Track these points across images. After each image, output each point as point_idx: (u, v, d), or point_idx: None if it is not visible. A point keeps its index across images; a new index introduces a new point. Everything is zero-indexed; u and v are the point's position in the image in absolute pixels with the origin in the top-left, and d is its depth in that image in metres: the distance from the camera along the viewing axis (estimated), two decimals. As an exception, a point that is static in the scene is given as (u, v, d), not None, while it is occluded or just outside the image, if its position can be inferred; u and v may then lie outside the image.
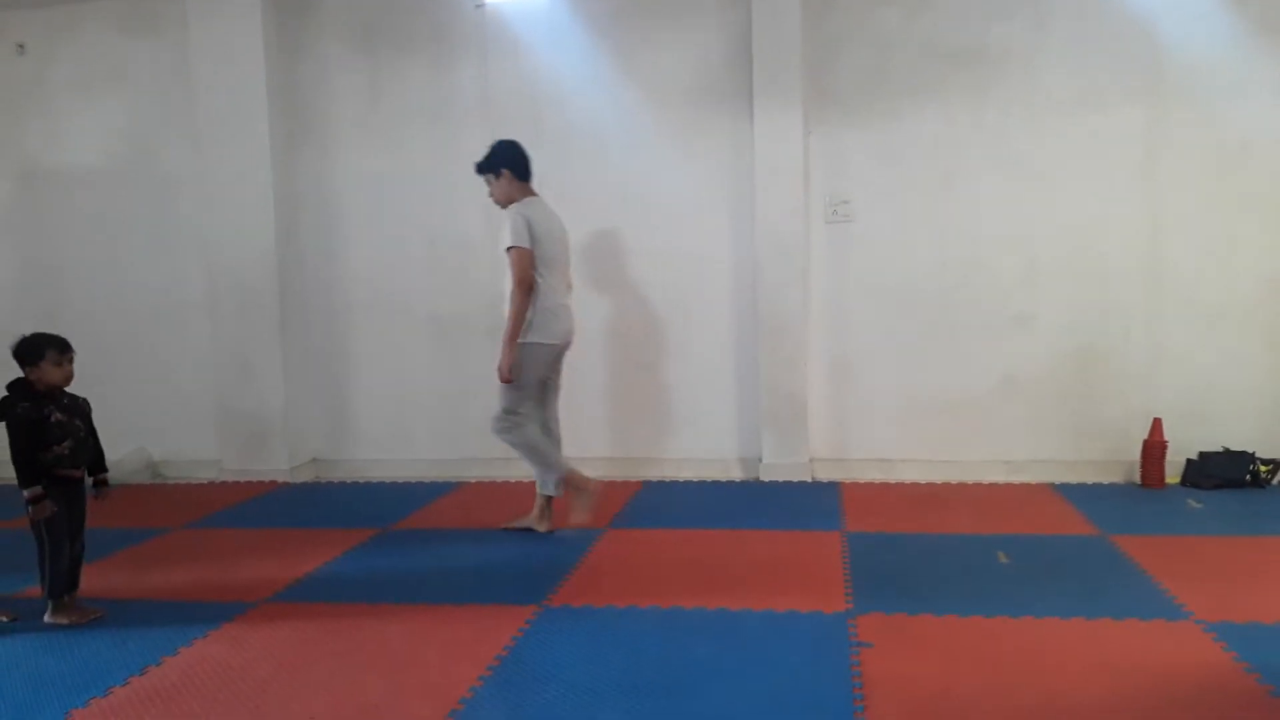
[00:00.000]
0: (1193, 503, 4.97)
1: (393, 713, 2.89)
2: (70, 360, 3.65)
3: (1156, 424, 5.25)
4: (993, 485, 5.44)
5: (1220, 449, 5.24)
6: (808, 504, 5.18)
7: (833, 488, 5.51)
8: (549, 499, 4.69)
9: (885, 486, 5.52)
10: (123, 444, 6.29)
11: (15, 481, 3.55)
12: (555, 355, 4.68)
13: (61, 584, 3.64)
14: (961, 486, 5.45)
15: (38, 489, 3.51)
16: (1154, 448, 5.24)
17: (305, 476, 6.14)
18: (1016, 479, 5.49)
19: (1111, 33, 5.28)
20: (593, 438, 5.90)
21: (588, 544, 4.54)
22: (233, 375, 6.04)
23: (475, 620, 3.61)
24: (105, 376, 6.35)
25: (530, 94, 5.82)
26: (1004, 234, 5.47)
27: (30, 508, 3.52)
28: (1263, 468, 5.14)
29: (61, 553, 3.62)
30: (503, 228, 4.55)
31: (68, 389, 3.67)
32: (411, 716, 2.86)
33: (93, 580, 3.86)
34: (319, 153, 6.06)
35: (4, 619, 3.67)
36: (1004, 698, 2.86)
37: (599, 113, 5.78)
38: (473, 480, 5.95)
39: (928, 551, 4.32)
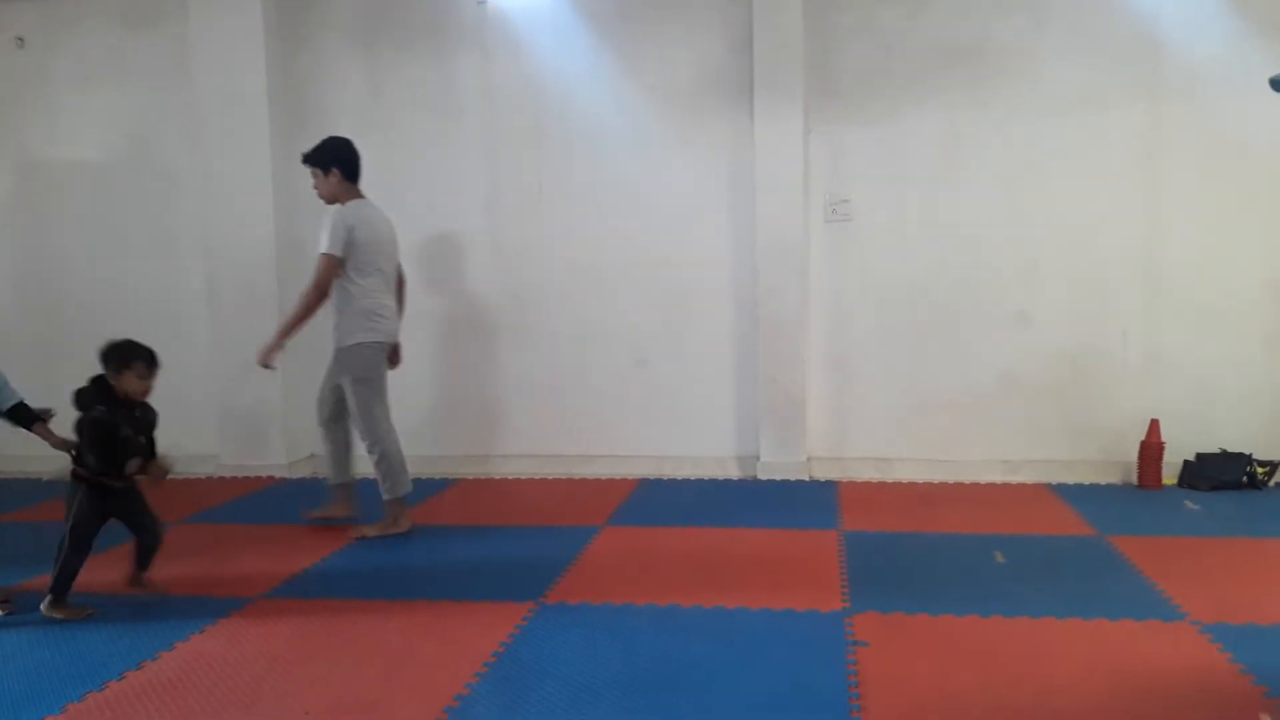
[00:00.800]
0: (1189, 504, 4.97)
1: (388, 709, 2.89)
2: (154, 376, 3.67)
3: (1154, 425, 5.25)
4: (990, 485, 5.45)
5: (1217, 450, 5.24)
6: (805, 502, 5.18)
7: (830, 486, 5.51)
8: (400, 500, 4.69)
9: (882, 485, 5.52)
10: (120, 438, 6.30)
11: (26, 475, 3.55)
12: (383, 353, 4.71)
13: (67, 583, 3.63)
14: (959, 486, 5.46)
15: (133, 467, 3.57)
16: (1151, 449, 5.25)
17: (303, 472, 6.13)
18: (1014, 479, 5.49)
19: (1111, 32, 5.28)
20: (591, 434, 5.91)
21: (585, 541, 4.54)
22: (232, 371, 6.02)
23: (471, 617, 3.61)
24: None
25: (531, 91, 5.82)
26: (1003, 233, 5.47)
27: (72, 498, 3.56)
28: (1259, 469, 5.15)
29: (81, 555, 3.61)
30: (322, 228, 4.56)
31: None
32: (407, 713, 2.86)
33: (90, 575, 3.85)
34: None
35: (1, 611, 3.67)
36: (1000, 697, 2.87)
37: (600, 110, 5.77)
38: (469, 477, 5.94)
39: (924, 551, 4.33)
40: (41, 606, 3.62)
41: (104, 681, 3.08)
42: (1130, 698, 2.83)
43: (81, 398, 3.58)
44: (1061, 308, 5.44)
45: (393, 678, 3.11)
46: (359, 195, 4.68)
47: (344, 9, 5.99)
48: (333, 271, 4.53)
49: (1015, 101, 5.40)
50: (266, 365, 4.59)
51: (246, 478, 5.98)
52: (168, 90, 6.08)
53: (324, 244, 4.52)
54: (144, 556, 3.82)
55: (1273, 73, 2.50)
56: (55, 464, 4.03)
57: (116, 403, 3.59)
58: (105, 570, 4.19)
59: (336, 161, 4.63)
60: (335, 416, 4.79)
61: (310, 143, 5.63)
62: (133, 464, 3.61)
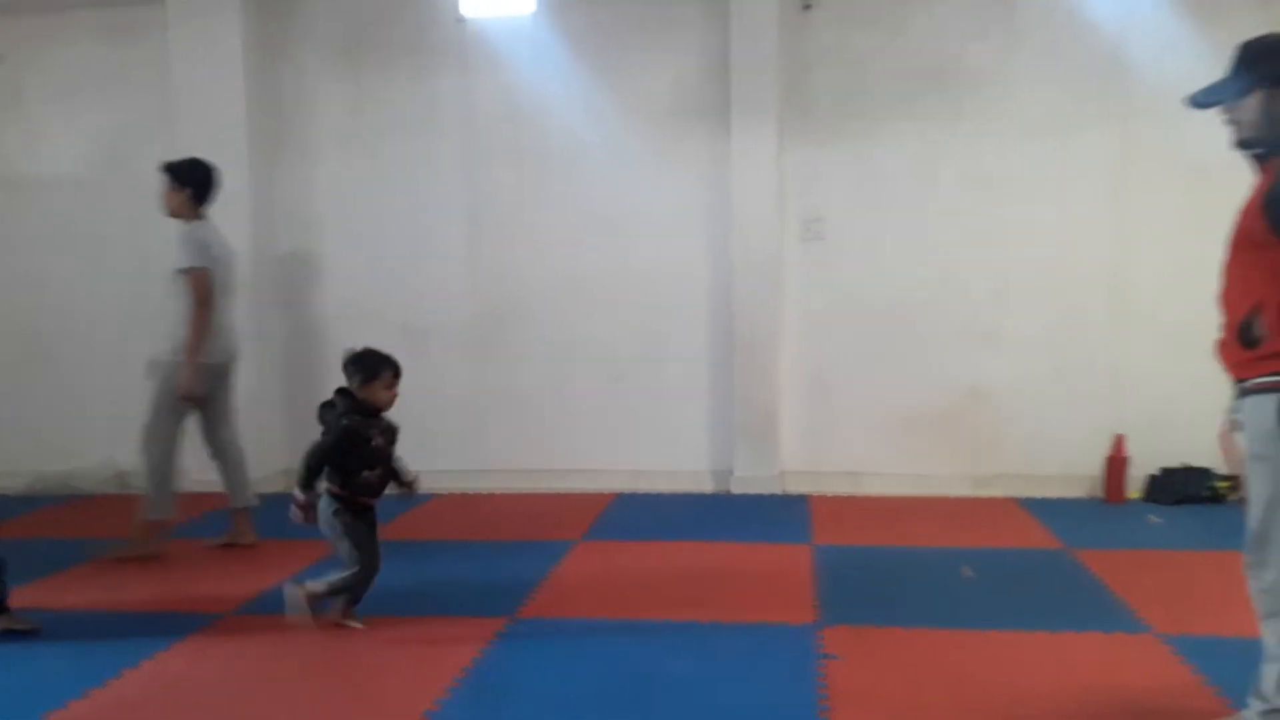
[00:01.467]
0: (1153, 518, 5.05)
1: (359, 725, 2.88)
2: (397, 385, 3.59)
3: (1119, 440, 5.33)
4: (959, 499, 5.50)
5: (1181, 465, 5.32)
6: (778, 517, 5.21)
7: (802, 500, 5.54)
8: (154, 525, 4.68)
9: (854, 500, 5.56)
10: (91, 453, 6.23)
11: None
12: (215, 374, 4.72)
13: (341, 595, 3.55)
14: (929, 500, 5.51)
15: (313, 495, 3.45)
16: (1116, 463, 5.33)
17: (274, 488, 6.07)
18: (982, 493, 5.55)
19: (1082, 55, 5.37)
20: (565, 449, 5.92)
21: (559, 556, 4.54)
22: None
23: (443, 633, 3.60)
24: (77, 385, 6.33)
25: (510, 108, 5.85)
26: (974, 253, 5.54)
27: (298, 511, 3.48)
28: (1221, 484, 5.23)
29: (373, 566, 3.56)
30: (179, 246, 4.59)
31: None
32: (378, 728, 2.85)
33: (53, 592, 3.81)
34: (298, 163, 6.04)
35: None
36: (968, 710, 2.90)
37: (578, 128, 5.80)
38: (444, 493, 5.91)
39: (894, 564, 4.37)
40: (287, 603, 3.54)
41: (65, 700, 3.03)
42: (1095, 709, 2.87)
43: (329, 411, 3.50)
44: (1031, 324, 5.51)
45: (362, 695, 3.09)
46: (201, 217, 4.70)
47: (325, 26, 5.99)
48: (209, 283, 4.54)
49: (987, 123, 5.49)
50: (192, 399, 4.57)
51: (216, 493, 5.90)
52: (147, 106, 6.04)
53: (187, 260, 4.52)
54: (362, 587, 3.64)
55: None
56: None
57: (365, 412, 3.51)
58: (67, 586, 4.15)
59: (193, 181, 4.69)
60: (213, 444, 4.83)
61: (289, 158, 5.65)
62: (373, 474, 3.52)
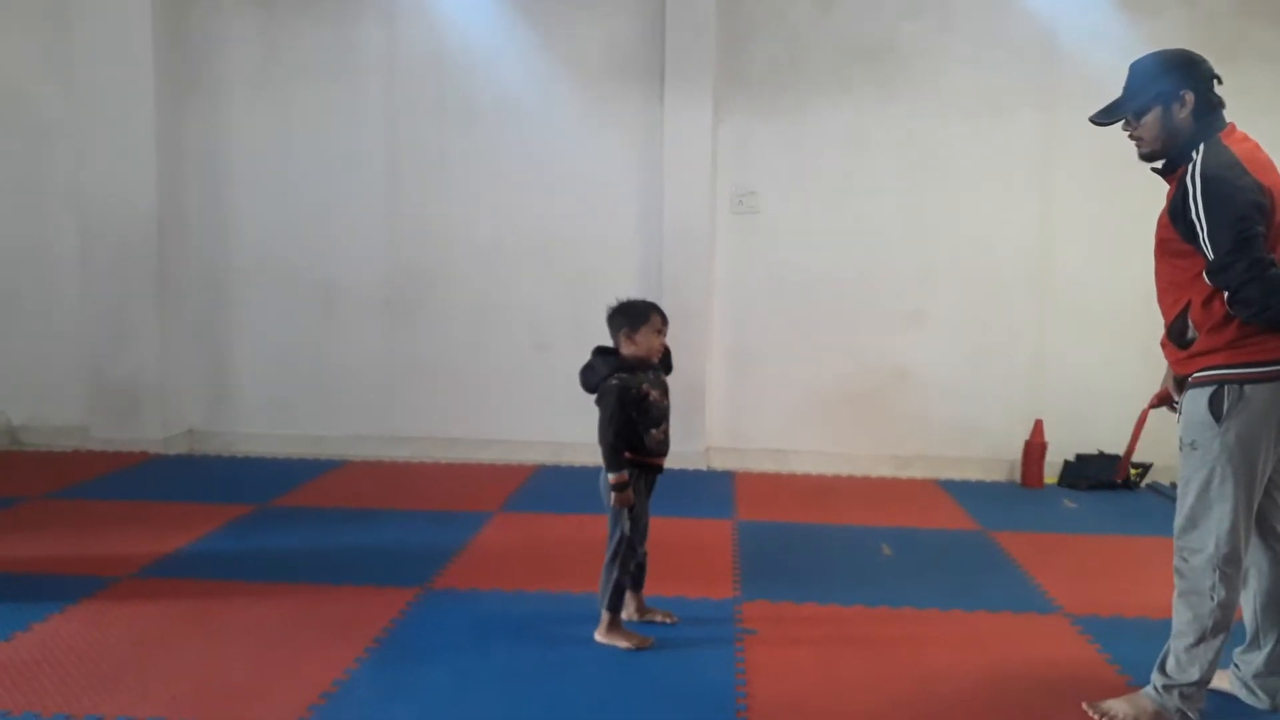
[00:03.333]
0: (1068, 502, 5.17)
1: (261, 695, 2.76)
2: (666, 330, 3.21)
3: (1038, 425, 5.44)
4: (881, 479, 5.56)
5: (1095, 452, 5.46)
6: (702, 492, 5.20)
7: (727, 477, 5.54)
8: None
9: (778, 477, 5.58)
10: (-20, 407, 5.92)
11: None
12: None
13: (622, 593, 3.18)
14: (851, 479, 5.56)
15: (624, 474, 3.09)
16: (1034, 449, 5.44)
17: (179, 448, 5.85)
18: (904, 474, 5.62)
19: (1013, 40, 5.42)
20: (486, 418, 5.81)
21: (477, 527, 4.45)
22: (105, 339, 5.70)
23: (354, 601, 3.48)
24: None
25: (437, 58, 5.66)
26: (904, 232, 5.58)
27: (613, 494, 3.10)
28: (1133, 471, 5.38)
29: (636, 550, 3.19)
30: None
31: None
32: (280, 698, 2.74)
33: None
34: (207, 106, 5.75)
35: None
36: (882, 684, 2.92)
37: (507, 83, 5.65)
38: (357, 459, 5.76)
39: (816, 542, 4.38)
40: (596, 634, 3.16)
41: (-53, 664, 2.86)
42: (1005, 685, 2.92)
43: (590, 374, 3.17)
44: (956, 307, 5.58)
45: (267, 663, 2.97)
46: None
47: (240, -39, 5.71)
48: None
49: (919, 102, 5.51)
50: None
51: (118, 452, 5.67)
52: (41, 35, 5.69)
53: None
54: (640, 573, 3.29)
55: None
56: None
57: (630, 368, 3.14)
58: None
59: None
60: None
61: (198, 100, 5.35)
62: (660, 431, 3.17)
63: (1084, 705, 2.75)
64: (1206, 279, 2.49)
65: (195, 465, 5.63)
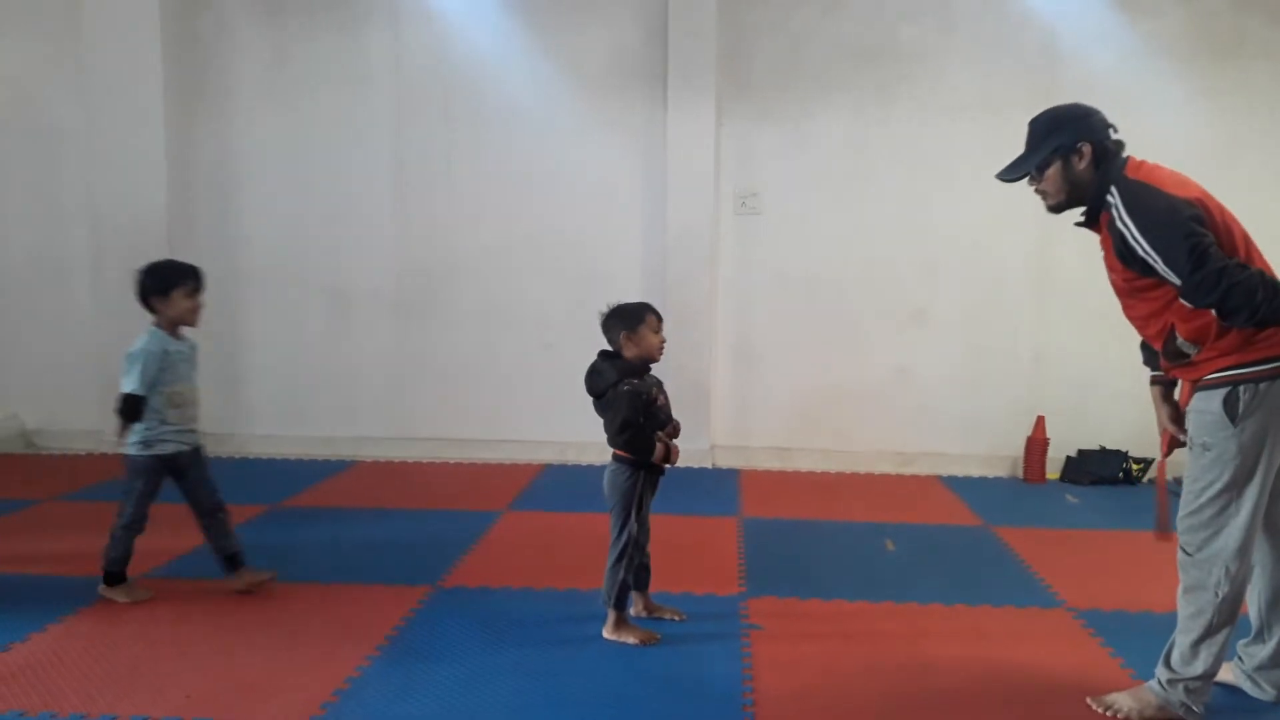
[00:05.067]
0: (1070, 498, 5.20)
1: (274, 692, 2.81)
2: (662, 328, 3.25)
3: (1040, 421, 5.47)
4: (884, 475, 5.60)
5: (1097, 448, 5.49)
6: (707, 490, 5.24)
7: (732, 474, 5.58)
8: None
9: (782, 474, 5.62)
10: (-6, 411, 5.98)
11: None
12: None
13: (627, 591, 3.22)
14: (855, 476, 5.59)
15: (659, 449, 3.14)
16: (1036, 444, 5.47)
17: (191, 450, 5.90)
18: (907, 470, 5.65)
19: (1013, 41, 5.46)
20: (494, 418, 5.86)
21: (486, 525, 4.49)
22: (117, 342, 5.65)
23: (365, 599, 3.53)
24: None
25: (442, 65, 5.71)
26: (905, 232, 5.61)
27: (665, 464, 3.18)
28: (1135, 466, 5.41)
29: (642, 550, 3.24)
30: None
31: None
32: (294, 696, 2.78)
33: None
34: (216, 112, 5.82)
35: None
36: (886, 679, 2.95)
37: (512, 88, 5.70)
38: (367, 459, 5.82)
39: (820, 538, 4.42)
40: (604, 631, 3.20)
41: (-32, 664, 2.92)
42: (1008, 680, 2.95)
43: (597, 379, 3.21)
44: (958, 306, 5.61)
45: (280, 661, 3.02)
46: None
47: (249, -30, 5.77)
48: None
49: (920, 104, 5.54)
50: None
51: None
52: (55, 42, 5.75)
53: None
54: (645, 574, 3.32)
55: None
56: None
57: (635, 371, 3.18)
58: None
59: None
60: None
61: (207, 106, 5.41)
62: (670, 429, 3.22)
63: (1088, 700, 2.78)
64: (1187, 303, 2.50)
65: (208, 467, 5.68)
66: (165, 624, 3.29)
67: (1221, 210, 2.57)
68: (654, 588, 3.40)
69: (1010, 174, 2.86)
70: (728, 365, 5.79)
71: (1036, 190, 2.82)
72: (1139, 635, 3.18)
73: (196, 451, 3.56)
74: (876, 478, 5.57)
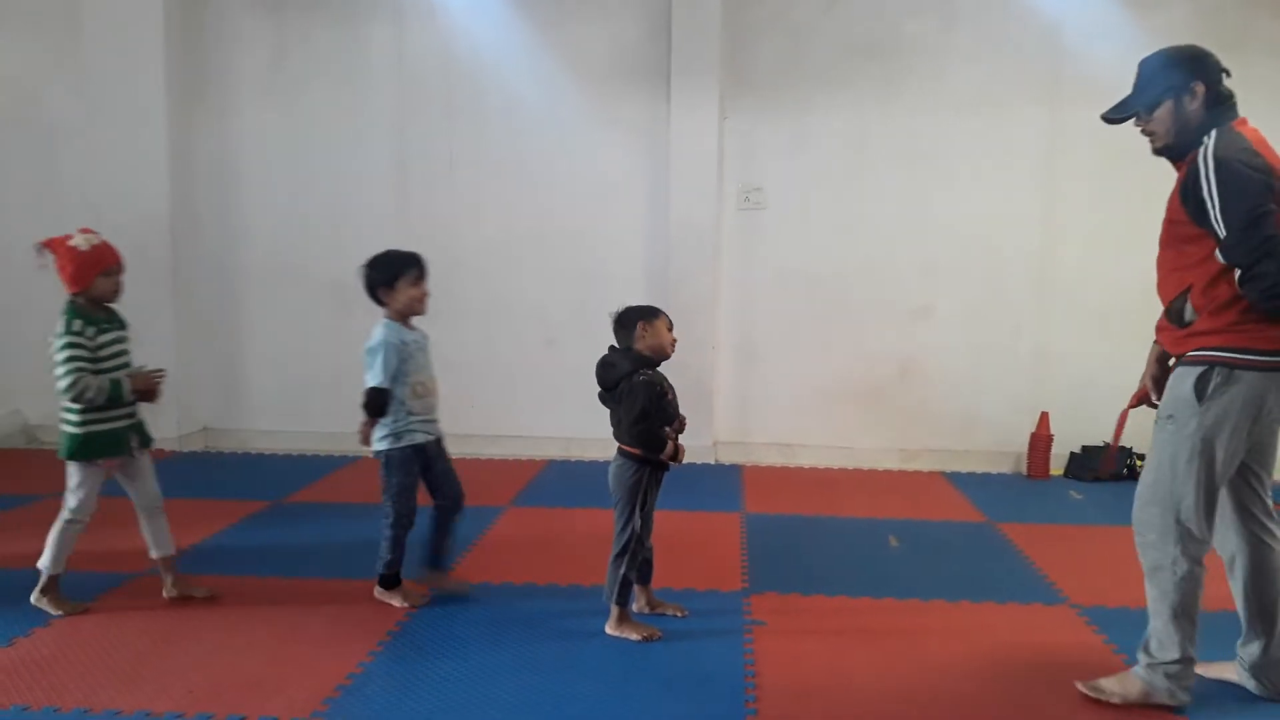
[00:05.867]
0: (1074, 494, 5.19)
1: (277, 688, 2.81)
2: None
3: (1043, 418, 5.46)
4: (887, 472, 5.59)
5: (1101, 443, 5.48)
6: (710, 486, 5.23)
7: (735, 470, 5.58)
8: None
9: (785, 471, 5.61)
10: (-3, 407, 5.99)
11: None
12: None
13: (630, 587, 3.21)
14: (858, 472, 5.59)
15: (670, 447, 3.13)
16: (1040, 440, 5.46)
17: (194, 446, 5.92)
18: (910, 466, 5.65)
19: (1017, 37, 5.44)
20: (498, 414, 5.85)
21: (489, 521, 4.49)
22: (119, 338, 5.75)
23: (368, 595, 3.53)
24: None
25: (445, 59, 5.71)
26: (907, 228, 5.60)
27: (673, 462, 3.17)
28: (1139, 462, 5.40)
29: (644, 545, 3.22)
30: None
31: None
32: (296, 691, 2.79)
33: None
34: (218, 108, 5.82)
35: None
36: (889, 675, 2.95)
37: (515, 84, 5.69)
38: (369, 455, 5.80)
39: (823, 534, 4.42)
40: (607, 627, 3.20)
41: (-28, 659, 2.92)
42: (1012, 676, 2.95)
43: (609, 370, 3.17)
44: (961, 302, 5.60)
45: (282, 656, 3.02)
46: None
47: (249, -34, 5.76)
48: None
49: (921, 100, 5.52)
50: None
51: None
52: (54, 38, 5.75)
53: None
54: (647, 570, 3.35)
55: None
56: None
57: (653, 364, 3.18)
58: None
59: None
60: None
61: (209, 102, 5.41)
62: (677, 424, 3.19)
63: (1077, 684, 2.82)
64: (1220, 256, 2.49)
65: (210, 462, 5.70)
66: (168, 619, 3.29)
67: None
68: (656, 584, 3.40)
69: (1118, 113, 2.78)
70: (730, 361, 5.78)
71: (1144, 131, 2.74)
72: (1142, 630, 3.14)
73: (439, 442, 3.51)
74: (879, 474, 5.57)
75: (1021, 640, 3.23)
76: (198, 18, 5.76)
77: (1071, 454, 5.52)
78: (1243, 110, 2.72)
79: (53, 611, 3.30)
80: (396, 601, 3.41)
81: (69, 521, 3.34)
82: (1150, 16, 5.34)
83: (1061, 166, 5.48)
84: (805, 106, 5.58)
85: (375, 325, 3.40)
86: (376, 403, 3.33)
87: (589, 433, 5.81)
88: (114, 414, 3.30)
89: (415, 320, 3.48)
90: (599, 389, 3.25)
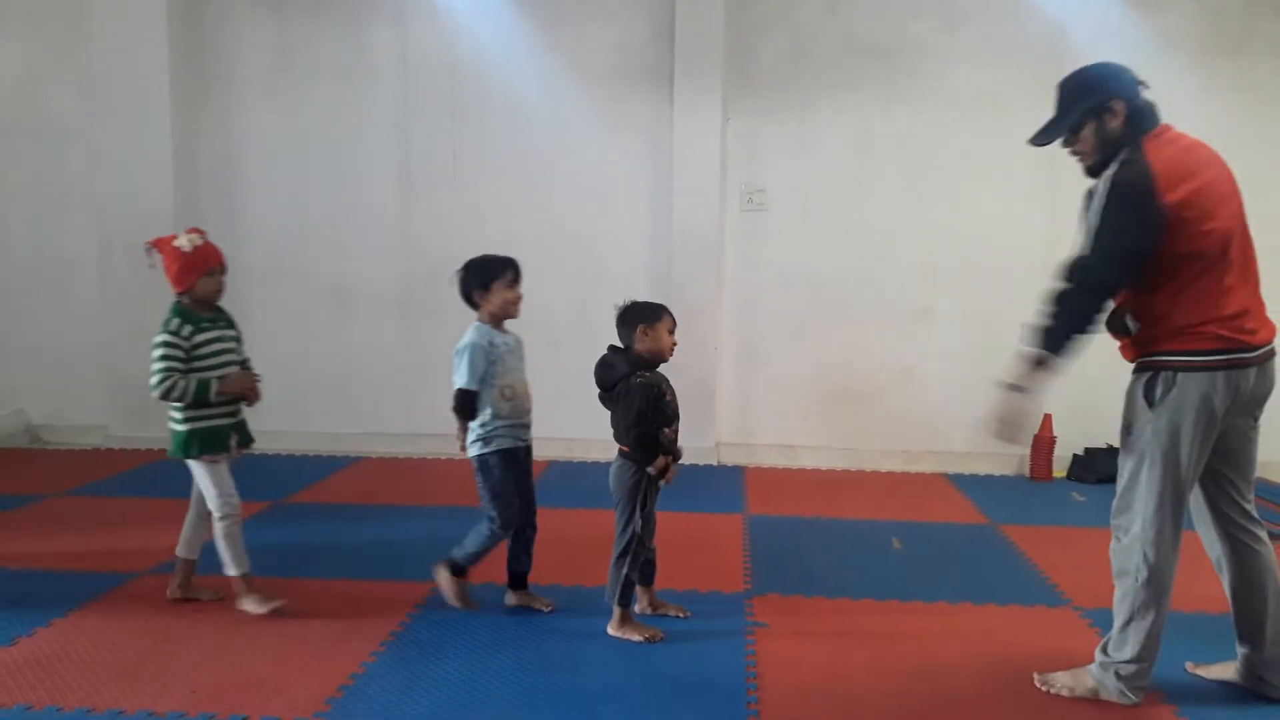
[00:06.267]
0: (1076, 496, 5.18)
1: (280, 688, 2.81)
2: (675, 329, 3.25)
3: (1046, 420, 5.45)
4: (890, 473, 5.59)
5: (1104, 446, 5.47)
6: (712, 487, 5.23)
7: (737, 471, 5.57)
8: None
9: (787, 472, 5.61)
10: (2, 406, 6.00)
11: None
12: None
13: (632, 588, 3.20)
14: (860, 474, 5.58)
15: (660, 460, 3.10)
16: (1043, 443, 5.45)
17: (196, 447, 5.91)
18: (913, 468, 5.64)
19: (1020, 38, 5.43)
20: (499, 415, 5.85)
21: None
22: (123, 339, 5.76)
23: (370, 595, 3.53)
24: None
25: (447, 62, 5.71)
26: (910, 230, 5.60)
27: (661, 481, 3.15)
28: (1141, 464, 5.38)
29: (645, 546, 3.21)
30: None
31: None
32: (299, 691, 2.79)
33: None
34: (221, 108, 5.82)
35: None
36: (890, 677, 2.94)
37: (518, 85, 5.70)
38: (372, 456, 5.82)
39: (825, 536, 4.41)
40: (609, 628, 3.20)
41: (-27, 658, 2.92)
42: (1014, 678, 2.94)
43: (611, 371, 3.18)
44: (962, 303, 5.59)
45: (285, 656, 3.02)
46: None
47: (251, -33, 5.77)
48: None
49: (925, 102, 5.52)
50: None
51: (136, 450, 5.74)
52: (59, 39, 5.76)
53: None
54: (650, 571, 3.32)
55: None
56: None
57: (651, 365, 3.19)
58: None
59: None
60: None
61: (213, 103, 5.40)
62: (671, 430, 3.19)
63: (1034, 675, 2.88)
64: (1069, 260, 2.66)
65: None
66: (170, 619, 3.29)
67: (1219, 206, 2.56)
68: (659, 585, 3.40)
69: (1043, 138, 2.85)
70: (733, 362, 5.78)
71: (1072, 152, 2.81)
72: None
73: (528, 451, 3.43)
74: (882, 475, 5.56)
75: (1024, 642, 3.22)
76: (201, 18, 5.77)
77: (1074, 456, 5.51)
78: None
79: (259, 609, 3.29)
80: (447, 591, 3.32)
81: (221, 520, 3.31)
82: (1153, 18, 5.33)
83: (1064, 168, 5.39)
84: (808, 108, 5.58)
85: (467, 328, 3.42)
86: (464, 404, 3.33)
87: (591, 433, 5.78)
88: (214, 412, 3.31)
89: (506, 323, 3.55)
90: (598, 390, 3.26)
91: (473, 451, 3.35)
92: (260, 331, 5.95)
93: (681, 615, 3.35)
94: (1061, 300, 2.68)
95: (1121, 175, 2.57)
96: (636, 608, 3.30)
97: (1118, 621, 2.72)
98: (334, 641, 3.12)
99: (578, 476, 5.46)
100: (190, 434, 3.29)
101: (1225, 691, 2.85)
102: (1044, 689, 2.83)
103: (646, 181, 5.68)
